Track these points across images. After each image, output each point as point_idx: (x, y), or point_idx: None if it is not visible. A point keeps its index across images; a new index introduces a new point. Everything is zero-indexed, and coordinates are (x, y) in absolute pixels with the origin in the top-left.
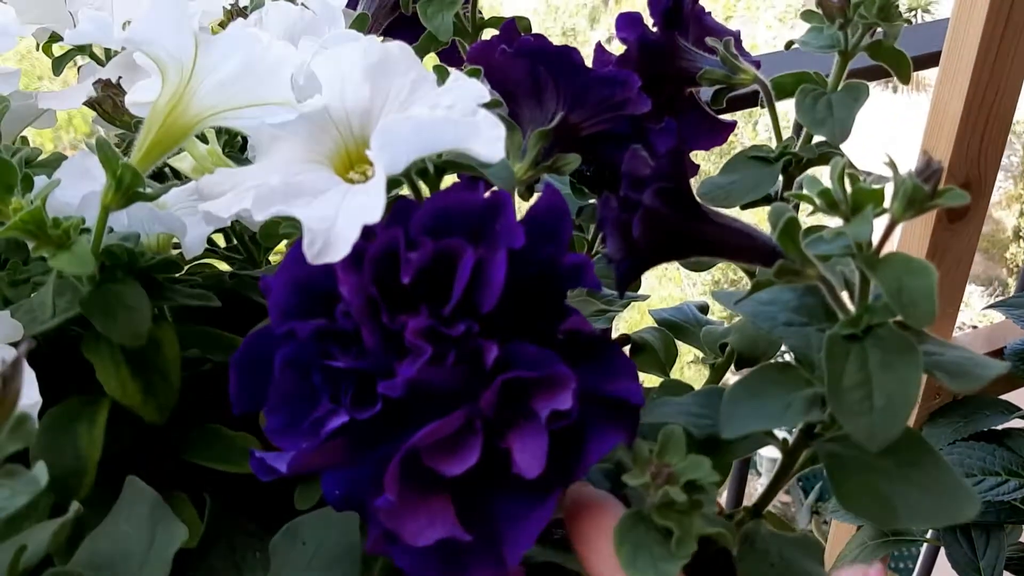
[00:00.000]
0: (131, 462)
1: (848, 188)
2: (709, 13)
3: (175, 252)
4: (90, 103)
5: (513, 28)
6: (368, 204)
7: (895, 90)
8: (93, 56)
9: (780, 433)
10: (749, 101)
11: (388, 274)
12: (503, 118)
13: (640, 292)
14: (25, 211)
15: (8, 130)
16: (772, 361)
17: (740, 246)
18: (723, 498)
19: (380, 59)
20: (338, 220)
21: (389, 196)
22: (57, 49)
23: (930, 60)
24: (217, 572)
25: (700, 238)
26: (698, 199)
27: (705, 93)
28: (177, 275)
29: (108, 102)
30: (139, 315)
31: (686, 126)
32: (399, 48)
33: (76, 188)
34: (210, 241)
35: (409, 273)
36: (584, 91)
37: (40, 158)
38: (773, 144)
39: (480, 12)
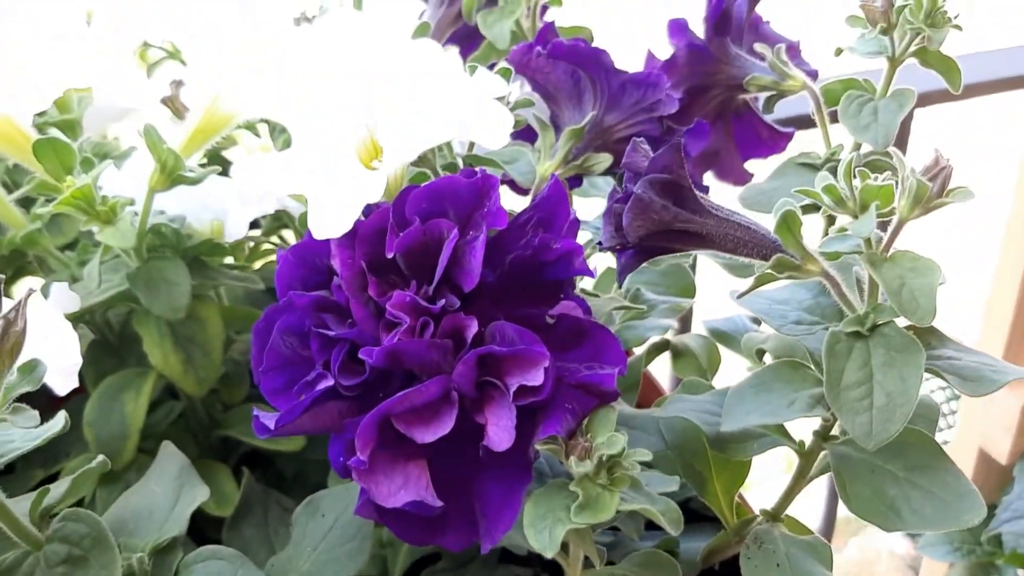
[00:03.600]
0: (181, 436)
1: (856, 185)
2: (768, 22)
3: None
4: (164, 100)
5: (551, 31)
6: (369, 183)
7: None
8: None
9: (798, 436)
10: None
11: (379, 250)
12: (538, 119)
13: None
14: (75, 187)
15: (93, 124)
16: (785, 359)
17: (740, 239)
18: (816, 527)
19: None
20: (342, 198)
21: None
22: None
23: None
24: (249, 543)
25: (695, 230)
26: (697, 193)
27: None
28: (240, 266)
29: (179, 100)
30: (179, 290)
31: (740, 133)
32: (426, 47)
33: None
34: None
35: (392, 248)
36: (619, 93)
37: (116, 152)
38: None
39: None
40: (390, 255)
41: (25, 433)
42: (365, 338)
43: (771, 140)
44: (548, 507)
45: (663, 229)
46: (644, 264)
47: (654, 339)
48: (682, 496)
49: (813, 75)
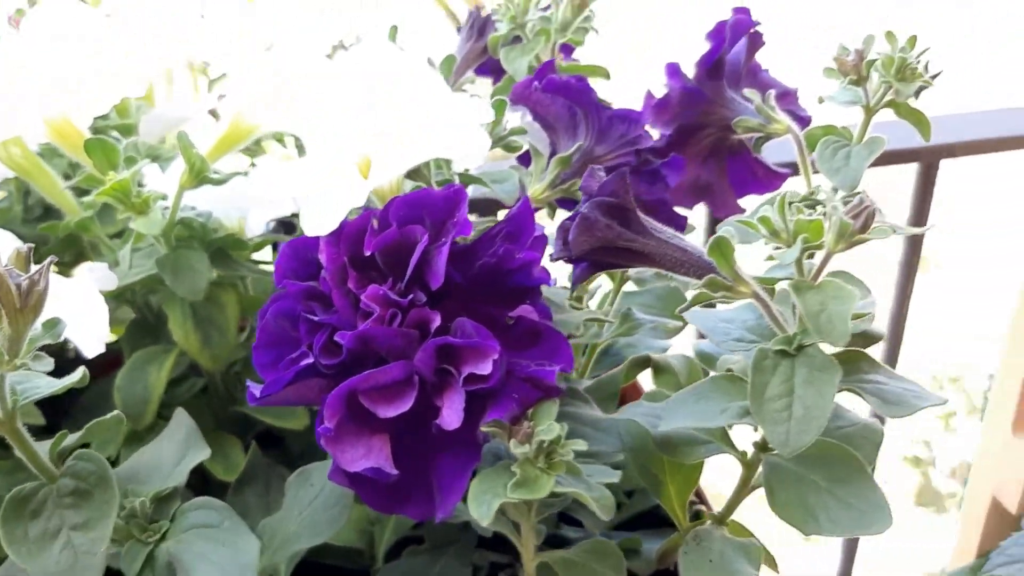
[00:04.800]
0: (201, 409)
1: (791, 219)
2: (767, 70)
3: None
4: (212, 112)
5: (550, 68)
6: (353, 189)
7: None
8: None
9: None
10: None
11: (360, 248)
12: (532, 146)
13: None
14: (115, 180)
15: (153, 131)
16: (725, 373)
17: (678, 260)
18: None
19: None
20: (330, 200)
21: None
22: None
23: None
24: (250, 508)
25: (637, 249)
26: (640, 216)
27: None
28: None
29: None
30: (199, 275)
31: (735, 170)
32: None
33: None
34: None
35: (370, 247)
36: (607, 126)
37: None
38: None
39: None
40: (368, 253)
41: (50, 381)
42: (344, 324)
43: (766, 178)
44: (491, 484)
45: (606, 245)
46: (638, 289)
47: (635, 356)
48: (652, 503)
49: (806, 121)
